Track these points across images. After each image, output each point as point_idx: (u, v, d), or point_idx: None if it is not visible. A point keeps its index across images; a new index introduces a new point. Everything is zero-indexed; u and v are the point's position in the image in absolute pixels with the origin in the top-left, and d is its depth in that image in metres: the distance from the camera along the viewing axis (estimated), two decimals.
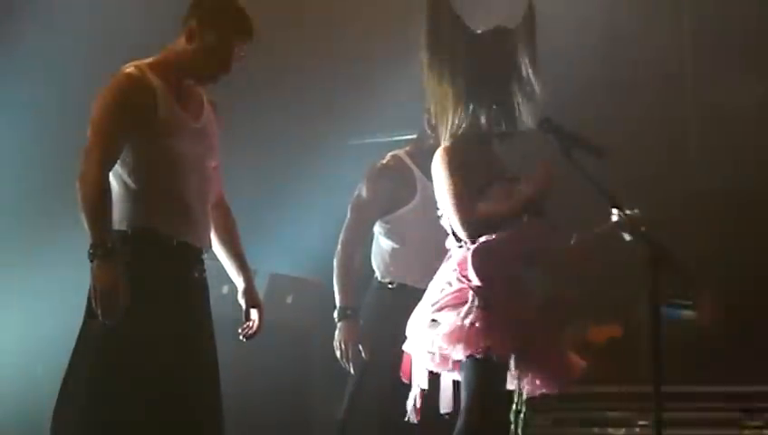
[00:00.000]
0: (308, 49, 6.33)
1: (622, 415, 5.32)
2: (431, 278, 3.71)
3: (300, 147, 6.38)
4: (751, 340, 5.64)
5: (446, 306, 3.55)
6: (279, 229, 5.96)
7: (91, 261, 3.41)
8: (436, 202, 3.68)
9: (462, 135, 3.65)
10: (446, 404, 3.64)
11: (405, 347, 3.69)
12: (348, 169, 5.02)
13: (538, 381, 3.60)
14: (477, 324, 3.47)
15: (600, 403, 5.37)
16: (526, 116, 3.66)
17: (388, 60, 5.52)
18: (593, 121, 4.99)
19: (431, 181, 3.73)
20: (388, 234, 4.51)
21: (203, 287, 3.70)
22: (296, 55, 6.29)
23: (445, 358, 3.53)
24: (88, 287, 3.46)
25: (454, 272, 3.60)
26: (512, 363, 3.53)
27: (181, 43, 3.64)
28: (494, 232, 3.55)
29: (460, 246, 3.60)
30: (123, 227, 3.53)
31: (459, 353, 3.47)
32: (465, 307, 3.50)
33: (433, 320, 3.56)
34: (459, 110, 3.65)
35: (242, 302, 3.85)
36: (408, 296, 3.91)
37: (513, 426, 3.56)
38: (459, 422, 3.51)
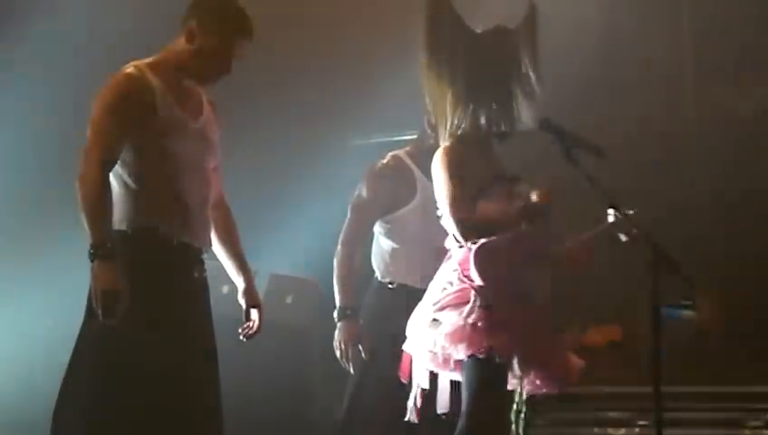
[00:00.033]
0: (308, 49, 6.33)
1: (622, 415, 5.32)
2: (431, 278, 3.71)
3: (300, 147, 6.38)
4: (751, 340, 5.64)
5: (447, 306, 3.55)
6: (279, 229, 5.96)
7: (92, 261, 3.41)
8: (436, 202, 3.68)
9: (462, 135, 3.65)
10: (443, 405, 3.64)
11: (405, 347, 3.68)
12: (348, 169, 5.02)
13: (538, 382, 3.60)
14: (480, 324, 3.47)
15: (600, 403, 5.37)
16: (526, 116, 3.66)
17: (388, 60, 5.52)
18: (593, 121, 5.00)
19: (431, 181, 3.73)
20: (389, 234, 4.51)
21: (203, 287, 3.70)
22: (296, 55, 6.29)
23: (446, 358, 3.53)
24: (88, 287, 3.46)
25: (455, 272, 3.60)
26: (513, 363, 3.53)
27: (181, 42, 3.64)
28: (489, 236, 3.55)
29: (461, 246, 3.60)
30: (123, 227, 3.53)
31: (461, 353, 3.47)
32: (468, 307, 3.50)
33: (434, 319, 3.56)
34: (459, 110, 3.65)
35: (242, 302, 3.85)
36: (409, 296, 3.91)
37: (513, 426, 3.56)
38: (460, 423, 3.51)
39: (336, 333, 4.44)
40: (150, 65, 3.60)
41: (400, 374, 3.73)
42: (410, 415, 3.68)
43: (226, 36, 3.62)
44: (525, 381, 3.57)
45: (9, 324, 5.63)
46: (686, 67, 6.21)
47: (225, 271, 3.89)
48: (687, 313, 5.42)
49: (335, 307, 4.47)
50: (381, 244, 4.54)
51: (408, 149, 4.58)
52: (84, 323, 3.53)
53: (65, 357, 3.54)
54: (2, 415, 5.49)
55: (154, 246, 3.55)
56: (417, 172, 4.45)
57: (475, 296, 3.51)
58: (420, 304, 3.67)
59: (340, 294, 4.46)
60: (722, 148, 5.95)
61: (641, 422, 5.25)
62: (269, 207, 6.07)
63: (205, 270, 3.71)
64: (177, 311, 3.55)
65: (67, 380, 3.53)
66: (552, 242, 3.64)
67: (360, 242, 4.53)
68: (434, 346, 3.52)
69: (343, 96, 6.17)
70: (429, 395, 3.67)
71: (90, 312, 3.47)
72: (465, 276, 3.56)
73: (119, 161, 3.52)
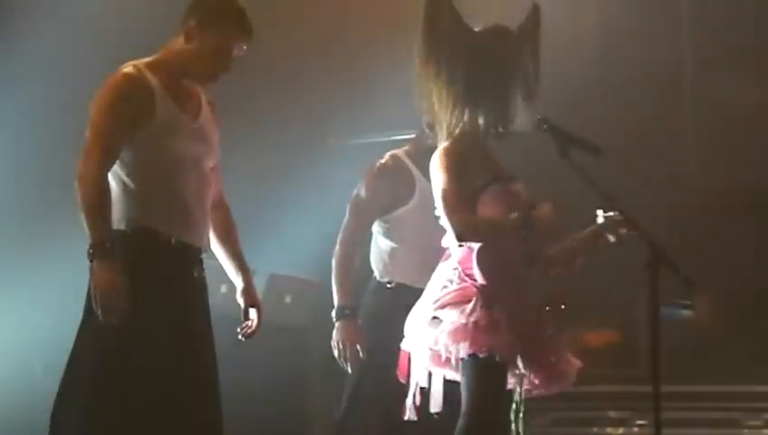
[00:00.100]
0: (307, 49, 6.33)
1: (621, 415, 5.32)
2: (430, 278, 3.70)
3: (299, 147, 6.38)
4: (751, 340, 5.64)
5: (448, 304, 3.54)
6: (278, 229, 5.96)
7: (91, 261, 3.42)
8: (434, 202, 3.68)
9: (460, 135, 3.65)
10: (437, 404, 3.63)
11: (403, 345, 3.68)
12: (347, 168, 5.02)
13: (537, 381, 3.59)
14: (482, 323, 3.47)
15: (599, 403, 5.37)
16: (524, 116, 3.66)
17: (386, 59, 5.51)
18: (592, 121, 5.00)
19: (430, 181, 3.72)
20: (387, 233, 4.50)
21: (202, 287, 3.70)
22: (295, 55, 6.29)
23: (447, 356, 3.52)
24: (87, 287, 3.46)
25: (455, 270, 3.59)
26: (514, 363, 3.53)
27: (180, 42, 3.64)
28: (485, 240, 3.55)
29: (460, 245, 3.60)
30: (122, 227, 3.53)
31: (462, 352, 3.47)
32: (469, 306, 3.49)
33: (434, 317, 3.56)
34: (457, 109, 3.64)
35: (241, 301, 3.85)
36: (407, 296, 3.90)
37: (513, 426, 3.55)
38: (460, 422, 3.51)
39: (334, 332, 4.44)
40: (149, 65, 3.60)
41: (398, 373, 3.72)
42: (409, 413, 3.67)
43: (225, 36, 3.62)
44: (525, 381, 3.56)
45: (8, 324, 5.63)
46: (685, 67, 6.21)
47: (224, 270, 3.89)
48: (687, 312, 5.43)
49: (334, 307, 4.46)
50: (380, 243, 4.54)
51: (406, 148, 4.58)
52: (83, 323, 3.54)
53: (64, 357, 3.55)
54: (1, 415, 5.49)
55: (153, 246, 3.56)
56: (416, 172, 4.45)
57: (477, 296, 3.51)
58: (419, 302, 3.67)
59: (338, 293, 4.46)
60: (721, 148, 5.95)
61: (640, 422, 5.25)
62: (268, 207, 6.08)
63: (203, 270, 3.71)
64: (176, 310, 3.55)
65: (66, 379, 3.53)
66: (547, 244, 3.64)
67: (358, 242, 4.53)
68: (435, 344, 3.52)
69: (342, 96, 6.17)
70: (428, 394, 3.66)
71: (89, 311, 3.47)
72: (468, 275, 3.55)
73: (117, 161, 3.52)
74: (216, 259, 3.87)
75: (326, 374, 5.08)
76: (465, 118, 3.64)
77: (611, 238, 3.64)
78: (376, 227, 4.54)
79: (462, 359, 3.48)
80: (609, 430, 5.33)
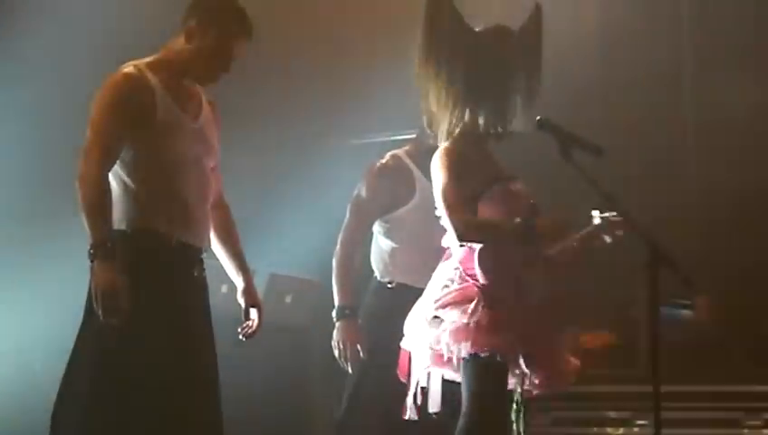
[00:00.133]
0: (308, 48, 6.33)
1: (621, 415, 5.32)
2: (430, 278, 3.71)
3: (299, 146, 6.38)
4: (750, 339, 5.64)
5: (449, 304, 3.54)
6: (278, 229, 5.96)
7: (92, 261, 3.42)
8: (435, 202, 3.68)
9: (460, 135, 3.65)
10: (435, 404, 3.63)
11: (403, 344, 3.68)
12: (347, 168, 5.02)
13: (537, 381, 3.60)
14: (483, 323, 3.47)
15: (599, 403, 5.37)
16: (524, 117, 3.66)
17: (387, 59, 5.51)
18: (592, 121, 5.00)
19: (430, 181, 3.73)
20: (388, 233, 4.51)
21: (202, 287, 3.70)
22: (296, 55, 6.29)
23: (448, 356, 3.52)
24: (87, 286, 3.46)
25: (456, 270, 3.60)
26: (514, 363, 3.53)
27: (180, 42, 3.64)
28: (483, 242, 3.55)
29: (461, 245, 3.60)
30: (123, 227, 3.53)
31: (464, 351, 3.47)
32: (471, 306, 3.50)
33: (435, 317, 3.56)
34: (457, 110, 3.64)
35: (241, 301, 3.85)
36: (408, 296, 3.90)
37: (515, 426, 3.56)
38: (461, 422, 3.51)
39: (335, 332, 4.44)
40: (150, 65, 3.61)
41: (399, 373, 3.72)
42: (410, 413, 3.67)
43: (226, 36, 3.62)
44: (525, 380, 3.57)
45: (9, 324, 5.63)
46: (685, 67, 6.21)
47: (225, 270, 3.89)
48: (686, 312, 5.43)
49: (334, 307, 4.47)
50: (380, 243, 4.54)
51: (407, 148, 4.58)
52: (84, 323, 3.54)
53: (64, 357, 3.55)
54: (1, 414, 5.48)
55: (153, 246, 3.56)
56: (417, 172, 4.45)
57: (479, 295, 3.51)
58: (419, 301, 3.67)
59: (339, 293, 4.46)
60: (720, 148, 5.95)
61: (640, 422, 5.25)
62: (268, 207, 6.08)
63: (204, 269, 3.71)
64: (177, 310, 3.56)
65: (66, 379, 3.53)
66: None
67: (359, 242, 4.53)
68: (436, 344, 3.52)
69: (342, 95, 6.16)
70: (425, 394, 3.66)
71: (89, 311, 3.47)
72: (469, 275, 3.56)
73: (118, 161, 3.52)
74: (217, 259, 3.87)
75: (326, 374, 5.08)
76: (466, 118, 3.64)
77: (607, 239, 3.65)
78: (376, 227, 4.54)
79: (463, 359, 3.49)
80: (609, 430, 5.32)
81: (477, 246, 3.56)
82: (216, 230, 3.81)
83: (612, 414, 5.33)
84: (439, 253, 3.72)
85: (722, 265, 5.72)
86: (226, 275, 3.89)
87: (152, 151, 3.55)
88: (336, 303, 4.46)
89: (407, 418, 3.68)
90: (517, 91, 3.65)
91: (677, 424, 4.95)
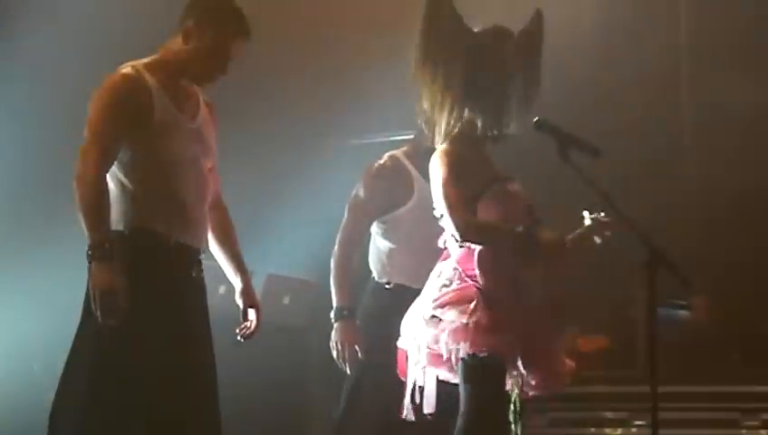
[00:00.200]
0: (308, 49, 6.33)
1: (619, 415, 5.32)
2: (428, 278, 3.71)
3: (297, 147, 6.39)
4: (749, 340, 5.64)
5: (448, 303, 3.55)
6: (276, 230, 5.96)
7: (90, 262, 3.42)
8: (433, 203, 3.68)
9: (458, 136, 3.65)
10: (430, 405, 3.63)
11: (400, 343, 3.69)
12: (345, 169, 5.02)
13: (534, 382, 3.60)
14: (483, 324, 3.47)
15: (596, 404, 5.37)
16: (521, 120, 3.66)
17: (386, 59, 5.52)
18: (589, 122, 5.00)
19: (428, 182, 3.73)
20: (386, 234, 4.51)
21: (200, 287, 3.70)
22: (295, 55, 6.29)
23: (447, 355, 3.52)
24: (85, 287, 3.46)
25: (455, 270, 3.60)
26: (513, 364, 3.54)
27: (178, 43, 3.64)
28: (484, 244, 3.55)
29: (461, 246, 3.60)
30: (120, 228, 3.53)
31: (462, 352, 3.47)
32: (471, 306, 3.50)
33: (433, 316, 3.56)
34: (455, 111, 3.64)
35: (239, 302, 3.84)
36: (406, 297, 3.90)
37: (513, 426, 3.56)
38: (459, 422, 3.52)
39: (333, 333, 4.44)
40: (147, 65, 3.60)
41: (398, 372, 3.73)
42: (407, 412, 3.67)
43: (223, 36, 3.62)
44: (521, 382, 3.57)
45: (7, 325, 5.63)
46: (683, 67, 6.22)
47: (223, 271, 3.89)
48: (684, 313, 5.43)
49: (332, 308, 4.47)
50: (378, 244, 4.54)
51: (405, 149, 4.58)
52: (82, 323, 3.54)
53: (62, 357, 3.55)
54: (0, 415, 5.49)
55: (151, 247, 3.56)
56: (415, 172, 4.45)
57: (478, 296, 3.52)
58: (416, 301, 3.67)
59: (337, 294, 4.46)
60: (719, 148, 5.96)
61: (638, 422, 5.25)
62: (266, 208, 6.08)
63: (202, 270, 3.71)
64: (175, 311, 3.55)
65: (64, 379, 3.53)
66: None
67: (357, 242, 4.53)
68: (435, 343, 3.53)
69: (341, 96, 6.17)
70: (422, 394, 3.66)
71: (87, 311, 3.47)
72: (468, 276, 3.56)
73: (115, 162, 3.52)
74: (215, 260, 3.87)
75: (324, 375, 5.07)
76: (463, 120, 3.64)
77: (597, 240, 3.66)
78: (374, 228, 4.54)
79: (462, 359, 3.49)
80: (606, 430, 5.32)
81: (477, 248, 3.56)
82: (213, 231, 3.81)
83: (610, 415, 5.34)
84: (437, 254, 3.73)
85: (720, 266, 5.73)
86: (224, 275, 3.89)
87: (150, 152, 3.55)
88: (334, 303, 4.46)
89: (404, 418, 3.68)
90: (515, 93, 3.65)
91: (675, 425, 4.95)
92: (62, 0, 5.81)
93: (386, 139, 5.66)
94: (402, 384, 3.70)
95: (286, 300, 5.94)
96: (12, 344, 5.61)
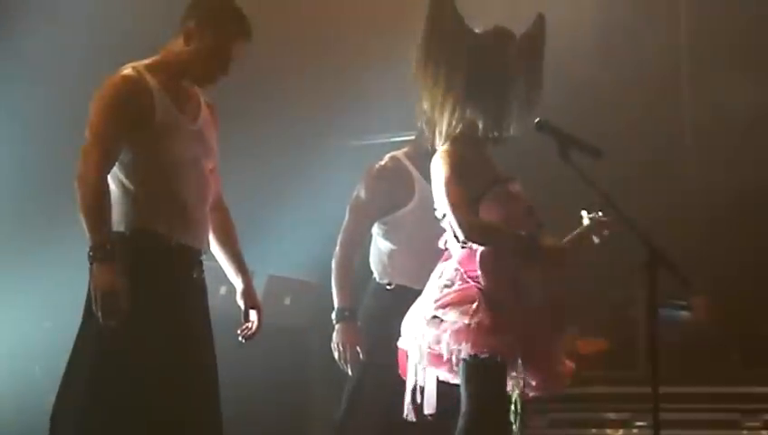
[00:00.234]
0: (308, 49, 6.33)
1: (620, 416, 5.32)
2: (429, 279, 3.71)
3: (298, 148, 6.39)
4: (749, 341, 5.64)
5: (449, 304, 3.55)
6: (277, 230, 5.96)
7: (91, 263, 3.42)
8: (434, 203, 3.68)
9: (459, 137, 3.65)
10: (430, 405, 3.63)
11: (400, 343, 3.69)
12: (346, 170, 5.02)
13: (534, 383, 3.60)
14: (485, 325, 3.48)
15: (597, 405, 5.37)
16: (523, 121, 3.66)
17: (386, 60, 5.52)
18: (590, 123, 5.00)
19: (429, 183, 3.73)
20: (387, 235, 4.51)
21: (201, 288, 3.70)
22: (295, 55, 6.29)
23: (448, 356, 3.52)
24: (86, 288, 3.46)
25: (456, 271, 3.60)
26: (514, 365, 3.54)
27: (179, 44, 3.64)
28: (488, 245, 3.55)
29: (463, 246, 3.60)
30: (121, 229, 3.53)
31: (464, 352, 3.47)
32: (473, 307, 3.50)
33: (434, 316, 3.56)
34: (456, 112, 3.64)
35: (241, 303, 3.84)
36: (407, 297, 3.90)
37: (514, 427, 3.56)
38: (460, 422, 3.52)
39: (334, 334, 4.44)
40: (148, 66, 3.60)
41: (400, 372, 3.73)
42: (407, 412, 3.68)
43: (224, 37, 3.62)
44: (522, 382, 3.57)
45: (9, 326, 5.63)
46: (683, 67, 6.22)
47: (224, 272, 3.89)
48: (684, 313, 5.43)
49: (333, 309, 4.47)
50: (379, 245, 4.54)
51: (406, 150, 4.58)
52: (83, 324, 3.54)
53: (63, 358, 3.55)
54: (1, 416, 5.49)
55: (152, 248, 3.56)
56: (416, 173, 4.45)
57: (480, 297, 3.52)
58: (417, 301, 3.67)
59: (338, 295, 4.46)
60: (719, 148, 5.96)
61: (639, 423, 5.25)
62: (267, 209, 6.08)
63: (203, 271, 3.71)
64: (176, 312, 3.55)
65: (66, 380, 3.53)
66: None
67: (358, 243, 4.53)
68: (436, 343, 3.53)
69: (342, 97, 6.17)
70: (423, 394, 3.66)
71: (89, 312, 3.47)
72: (470, 277, 3.56)
73: (117, 163, 3.52)
74: (216, 261, 3.87)
75: (326, 375, 5.07)
76: (464, 121, 3.64)
77: (596, 240, 3.66)
78: (375, 229, 4.54)
79: (463, 360, 3.49)
80: (607, 431, 5.32)
81: (479, 249, 3.56)
82: (215, 232, 3.81)
83: (611, 416, 5.34)
84: (438, 254, 3.73)
85: (720, 266, 5.73)
86: (225, 276, 3.89)
87: (151, 153, 3.55)
88: (335, 305, 4.46)
89: (406, 418, 3.69)
90: (516, 96, 3.65)
91: (676, 425, 4.96)
92: (62, 0, 5.80)
93: (386, 140, 5.67)
94: (403, 385, 3.70)
95: (287, 301, 5.94)
96: (13, 345, 5.61)
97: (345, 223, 4.52)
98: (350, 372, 4.44)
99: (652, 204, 5.49)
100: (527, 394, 3.60)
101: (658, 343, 3.29)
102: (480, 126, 3.65)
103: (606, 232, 3.65)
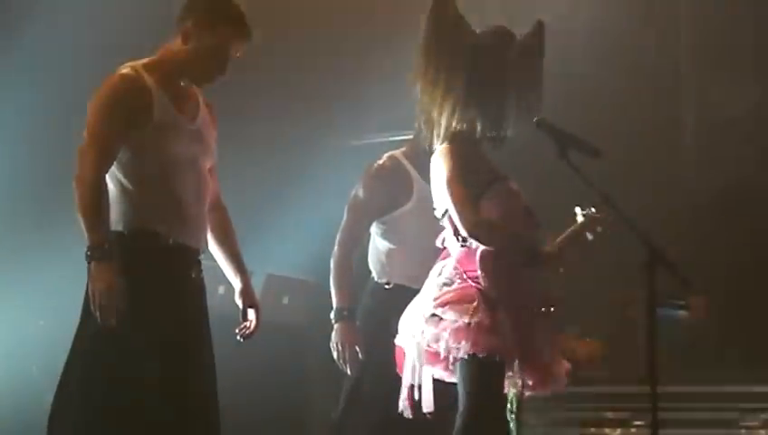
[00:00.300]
0: (308, 49, 6.33)
1: (618, 416, 5.33)
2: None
3: (297, 147, 6.39)
4: (747, 340, 5.64)
5: (448, 303, 3.55)
6: (275, 230, 5.96)
7: (89, 262, 3.41)
8: (432, 203, 3.68)
9: (459, 136, 3.65)
10: (428, 403, 3.63)
11: (398, 341, 3.69)
12: (345, 169, 5.02)
13: (531, 383, 3.60)
14: (484, 324, 3.48)
15: (596, 404, 5.37)
16: (521, 123, 3.66)
17: (385, 60, 5.53)
18: (589, 122, 5.00)
19: (428, 182, 3.73)
20: (385, 234, 4.51)
21: (200, 288, 3.70)
22: (294, 55, 6.29)
23: (446, 355, 3.52)
24: (84, 288, 3.46)
25: (455, 270, 3.60)
26: (512, 364, 3.54)
27: (177, 43, 3.63)
28: (491, 245, 3.55)
29: (463, 246, 3.60)
30: (120, 228, 3.52)
31: (462, 351, 3.47)
32: (472, 306, 3.50)
33: (433, 315, 3.56)
34: (456, 112, 3.64)
35: (239, 302, 3.84)
36: (405, 297, 3.90)
37: (512, 426, 3.56)
38: (458, 421, 3.52)
39: (333, 334, 4.43)
40: (146, 66, 3.60)
41: (398, 370, 3.73)
42: (404, 409, 3.68)
43: (222, 37, 3.61)
44: (518, 382, 3.57)
45: (6, 326, 5.63)
46: (683, 67, 6.22)
47: (222, 271, 3.88)
48: (683, 313, 5.43)
49: (332, 308, 4.47)
50: (378, 244, 4.54)
51: (404, 149, 4.57)
52: (81, 323, 3.53)
53: (60, 358, 3.54)
54: None
55: (151, 247, 3.55)
56: (414, 173, 4.45)
57: (479, 296, 3.52)
58: (416, 299, 3.67)
59: (336, 295, 4.45)
60: (718, 148, 5.96)
61: (638, 422, 5.25)
62: (266, 208, 6.08)
63: (201, 271, 3.71)
64: (174, 311, 3.55)
65: (63, 380, 3.53)
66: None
67: (356, 243, 4.53)
68: (435, 342, 3.53)
69: (340, 97, 6.17)
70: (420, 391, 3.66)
71: (87, 312, 3.46)
72: (469, 277, 3.56)
73: (115, 162, 3.52)
74: (214, 260, 3.87)
75: (324, 374, 5.08)
76: (462, 120, 3.64)
77: (590, 236, 3.66)
78: (374, 228, 4.54)
79: (461, 358, 3.49)
80: (606, 430, 5.33)
81: (479, 248, 3.56)
82: (213, 231, 3.81)
83: (609, 415, 5.34)
84: (436, 254, 3.73)
85: (720, 266, 5.73)
86: (224, 276, 3.89)
87: (149, 152, 3.54)
88: (334, 304, 4.46)
89: (402, 416, 3.69)
90: (515, 97, 3.64)
91: (675, 425, 4.96)
92: (62, 0, 5.80)
93: (385, 139, 5.66)
94: (401, 384, 3.70)
95: (286, 300, 5.95)
96: (11, 345, 5.61)
97: (343, 222, 4.52)
98: (348, 372, 4.44)
99: (652, 204, 5.50)
100: (524, 394, 3.61)
101: (657, 342, 3.29)
102: (479, 126, 3.65)
103: (599, 229, 3.65)
